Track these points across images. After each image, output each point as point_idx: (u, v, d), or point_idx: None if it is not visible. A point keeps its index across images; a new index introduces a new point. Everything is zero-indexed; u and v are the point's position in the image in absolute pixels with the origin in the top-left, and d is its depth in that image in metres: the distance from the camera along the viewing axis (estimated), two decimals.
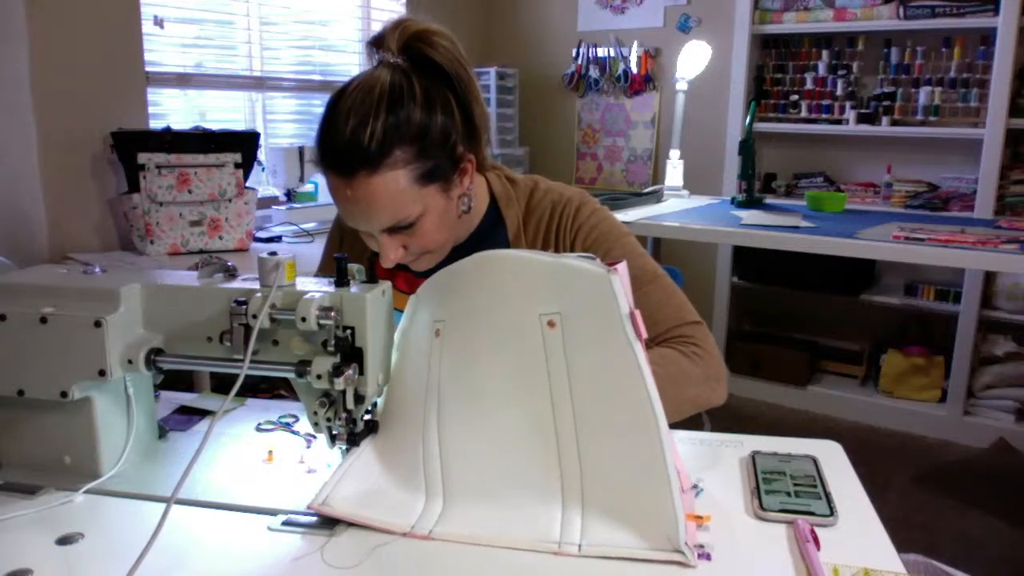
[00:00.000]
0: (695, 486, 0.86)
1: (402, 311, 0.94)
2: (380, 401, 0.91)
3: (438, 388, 0.85)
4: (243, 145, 2.42)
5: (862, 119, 3.12)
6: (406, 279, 1.15)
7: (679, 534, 0.72)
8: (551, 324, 0.81)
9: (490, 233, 1.13)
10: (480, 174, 1.12)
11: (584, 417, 0.80)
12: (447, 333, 0.86)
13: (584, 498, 0.78)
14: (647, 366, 0.77)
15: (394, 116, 0.91)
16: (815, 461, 0.91)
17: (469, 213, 1.07)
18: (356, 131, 0.90)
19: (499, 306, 0.84)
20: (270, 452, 0.95)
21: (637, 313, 0.78)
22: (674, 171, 2.96)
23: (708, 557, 0.73)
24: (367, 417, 0.88)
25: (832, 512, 0.80)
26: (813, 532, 0.75)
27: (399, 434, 0.87)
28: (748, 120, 2.76)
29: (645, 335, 0.78)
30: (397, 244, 1.00)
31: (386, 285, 0.87)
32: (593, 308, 0.80)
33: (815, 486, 0.85)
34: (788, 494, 0.84)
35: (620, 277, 0.79)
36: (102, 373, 0.84)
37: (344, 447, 0.88)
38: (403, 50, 0.96)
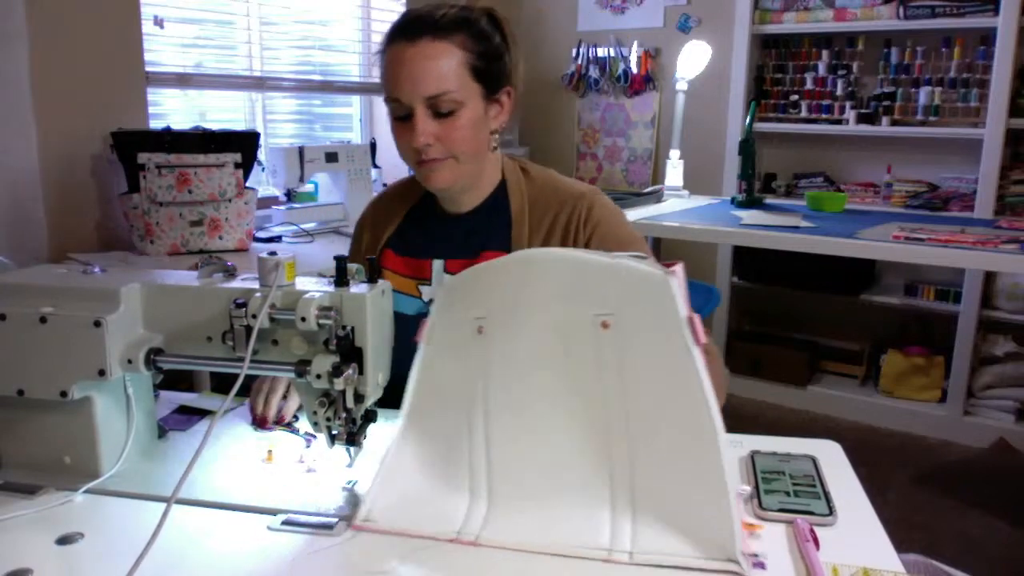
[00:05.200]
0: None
1: (401, 293, 0.99)
2: (407, 396, 0.87)
3: (484, 388, 0.83)
4: (243, 145, 2.42)
5: (862, 119, 3.12)
6: (406, 263, 1.18)
7: (735, 543, 0.70)
8: (605, 325, 0.79)
9: (492, 210, 1.17)
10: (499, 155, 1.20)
11: (637, 421, 0.78)
12: (490, 331, 0.84)
13: (635, 504, 0.76)
14: (705, 372, 0.75)
15: (465, 19, 1.07)
16: (814, 461, 0.91)
17: (495, 152, 1.16)
18: (431, 11, 1.06)
19: (548, 305, 0.82)
20: (270, 452, 0.95)
21: (696, 318, 0.76)
22: (674, 171, 2.96)
23: (763, 566, 0.71)
24: (369, 403, 0.87)
25: (831, 512, 0.80)
26: (813, 532, 0.75)
27: (441, 434, 0.85)
28: (748, 120, 2.76)
29: (704, 340, 0.76)
30: (432, 129, 1.06)
31: (386, 285, 0.87)
32: (649, 311, 0.77)
33: (814, 486, 0.85)
34: (787, 494, 0.84)
35: (678, 279, 0.77)
36: (102, 373, 0.84)
37: (344, 446, 0.88)
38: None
